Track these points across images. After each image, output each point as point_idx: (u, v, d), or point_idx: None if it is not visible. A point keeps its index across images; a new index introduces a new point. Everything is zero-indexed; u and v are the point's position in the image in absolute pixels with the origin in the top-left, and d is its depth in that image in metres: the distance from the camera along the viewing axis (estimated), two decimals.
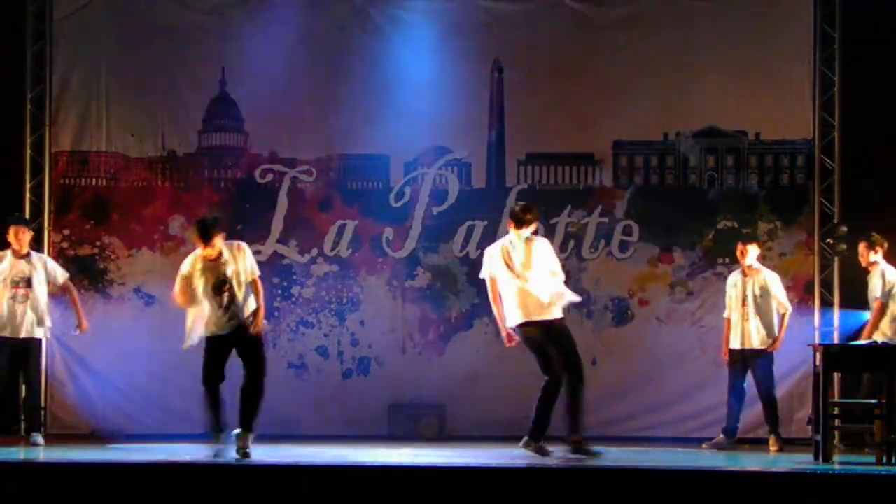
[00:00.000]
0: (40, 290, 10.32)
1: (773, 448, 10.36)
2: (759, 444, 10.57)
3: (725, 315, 10.67)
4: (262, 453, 8.98)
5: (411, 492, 7.84)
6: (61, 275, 10.49)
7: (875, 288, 10.26)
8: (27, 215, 11.45)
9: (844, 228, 11.24)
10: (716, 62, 11.50)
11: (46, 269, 10.41)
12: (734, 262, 11.07)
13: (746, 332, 10.49)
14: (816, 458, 8.98)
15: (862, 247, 10.38)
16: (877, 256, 10.32)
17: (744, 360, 10.50)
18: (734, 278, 10.71)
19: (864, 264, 10.40)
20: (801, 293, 11.39)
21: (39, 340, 10.42)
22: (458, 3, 11.67)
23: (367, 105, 11.46)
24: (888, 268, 10.32)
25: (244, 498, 7.87)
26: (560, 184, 11.67)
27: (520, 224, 9.08)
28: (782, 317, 10.50)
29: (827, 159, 11.48)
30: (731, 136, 11.65)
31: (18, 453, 9.63)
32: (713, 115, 11.61)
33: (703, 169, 11.66)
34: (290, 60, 11.51)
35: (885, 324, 10.22)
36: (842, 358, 9.41)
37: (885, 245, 10.35)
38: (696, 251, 11.56)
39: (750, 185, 11.63)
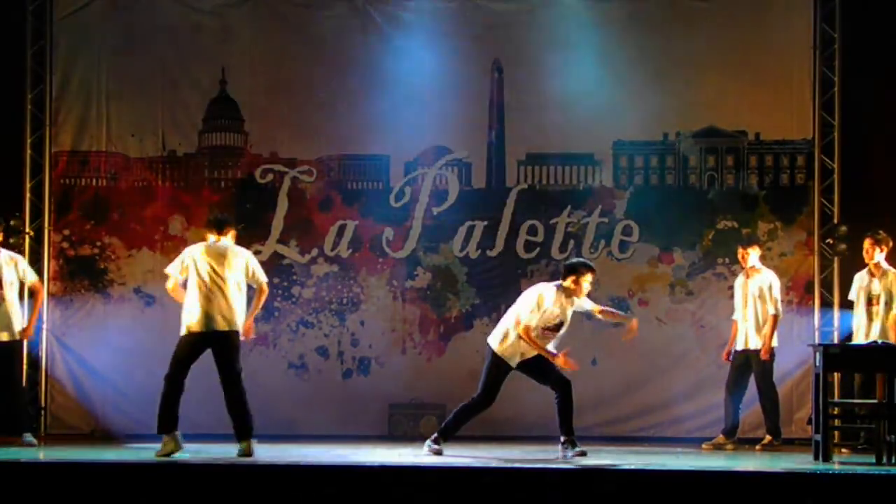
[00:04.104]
0: (14, 289, 10.21)
1: (758, 446, 10.34)
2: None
3: (733, 317, 10.66)
4: (263, 453, 8.98)
5: (411, 492, 7.84)
6: (31, 276, 10.36)
7: None
8: (27, 215, 11.47)
9: (844, 228, 11.24)
10: (716, 62, 11.51)
11: (17, 269, 10.27)
12: (734, 262, 11.09)
13: (748, 334, 10.49)
14: (816, 457, 8.98)
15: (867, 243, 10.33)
16: (881, 255, 10.30)
17: (747, 361, 10.49)
18: (739, 279, 10.72)
19: (867, 261, 10.35)
20: (801, 293, 11.40)
21: (21, 341, 10.34)
22: (459, 3, 11.67)
23: (368, 105, 11.46)
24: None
25: (244, 498, 7.87)
26: (560, 184, 11.67)
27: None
28: (771, 320, 10.44)
29: (827, 159, 11.48)
30: (731, 137, 11.65)
31: (18, 453, 9.62)
32: (713, 115, 11.61)
33: (703, 169, 11.66)
34: (290, 60, 11.54)
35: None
36: (841, 358, 9.41)
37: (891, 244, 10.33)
38: (696, 251, 11.56)
39: (750, 185, 11.62)
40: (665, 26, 11.55)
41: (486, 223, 11.58)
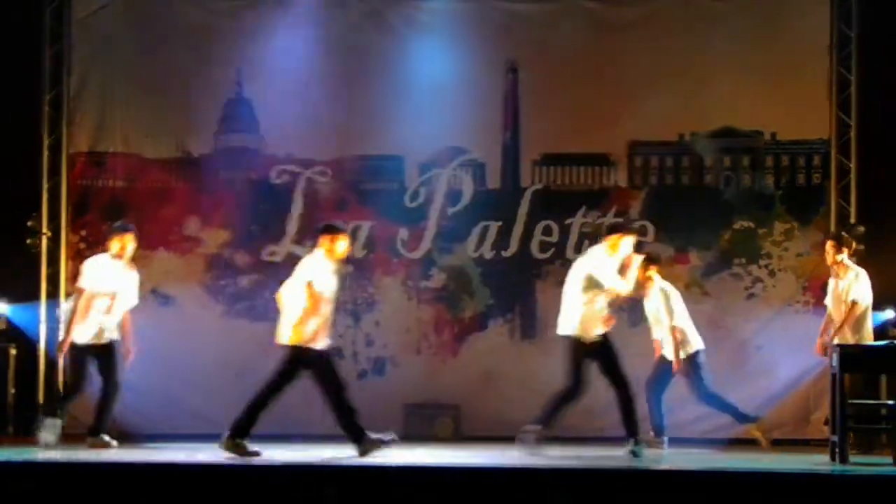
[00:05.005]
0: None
1: (762, 443, 10.24)
2: (778, 444, 10.48)
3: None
4: (277, 454, 8.99)
5: (411, 492, 7.81)
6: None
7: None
8: (44, 216, 11.51)
9: (861, 228, 11.21)
10: (732, 62, 11.47)
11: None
12: (751, 262, 11.08)
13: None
14: (833, 458, 8.96)
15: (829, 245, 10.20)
16: (842, 256, 10.19)
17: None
18: None
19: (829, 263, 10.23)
20: (817, 293, 11.32)
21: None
22: (474, 3, 11.68)
23: (382, 106, 11.48)
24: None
25: (244, 498, 7.85)
26: (575, 184, 11.66)
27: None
28: (670, 332, 10.26)
29: (843, 159, 11.45)
30: (747, 137, 11.62)
31: (36, 453, 9.65)
32: (729, 115, 11.59)
33: (719, 169, 11.64)
34: (305, 61, 11.54)
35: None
36: (858, 358, 9.37)
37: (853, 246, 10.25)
38: (712, 252, 11.53)
39: (766, 185, 11.60)
40: (680, 26, 11.53)
41: (500, 224, 11.58)
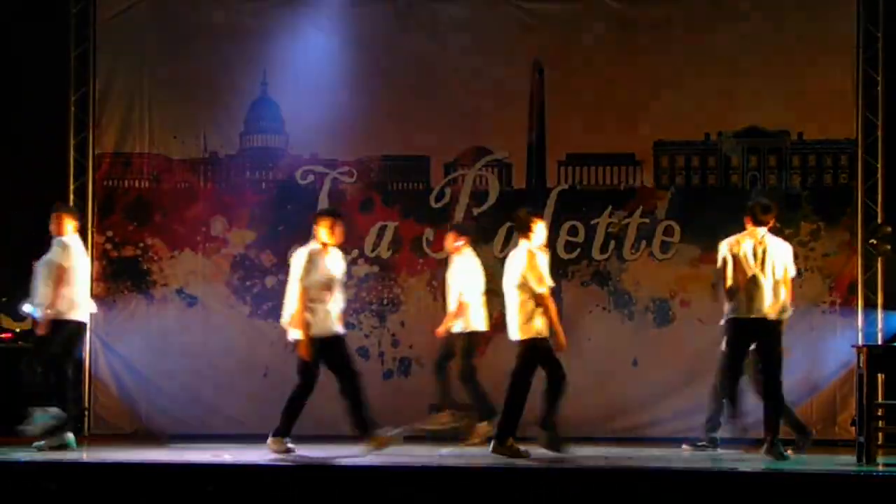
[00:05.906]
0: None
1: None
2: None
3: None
4: (307, 453, 9.01)
5: (411, 492, 7.82)
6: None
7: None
8: None
9: (889, 228, 11.15)
10: (758, 62, 11.43)
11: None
12: None
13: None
14: (860, 459, 8.91)
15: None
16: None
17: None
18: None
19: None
20: (844, 293, 11.31)
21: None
22: (499, 3, 11.67)
23: (408, 106, 11.50)
24: None
25: (243, 498, 7.87)
26: (601, 184, 11.64)
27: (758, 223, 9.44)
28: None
29: (870, 159, 11.40)
30: (774, 136, 11.58)
31: (64, 454, 9.69)
32: (755, 114, 11.54)
33: (745, 169, 11.60)
34: (331, 62, 11.56)
35: None
36: (886, 359, 9.34)
37: None
38: None
39: (792, 185, 11.55)
40: (706, 26, 11.50)
41: None
